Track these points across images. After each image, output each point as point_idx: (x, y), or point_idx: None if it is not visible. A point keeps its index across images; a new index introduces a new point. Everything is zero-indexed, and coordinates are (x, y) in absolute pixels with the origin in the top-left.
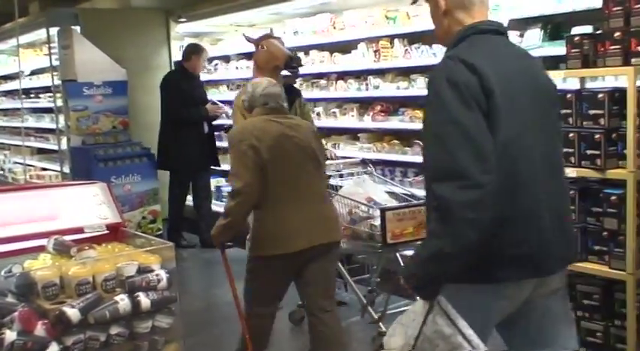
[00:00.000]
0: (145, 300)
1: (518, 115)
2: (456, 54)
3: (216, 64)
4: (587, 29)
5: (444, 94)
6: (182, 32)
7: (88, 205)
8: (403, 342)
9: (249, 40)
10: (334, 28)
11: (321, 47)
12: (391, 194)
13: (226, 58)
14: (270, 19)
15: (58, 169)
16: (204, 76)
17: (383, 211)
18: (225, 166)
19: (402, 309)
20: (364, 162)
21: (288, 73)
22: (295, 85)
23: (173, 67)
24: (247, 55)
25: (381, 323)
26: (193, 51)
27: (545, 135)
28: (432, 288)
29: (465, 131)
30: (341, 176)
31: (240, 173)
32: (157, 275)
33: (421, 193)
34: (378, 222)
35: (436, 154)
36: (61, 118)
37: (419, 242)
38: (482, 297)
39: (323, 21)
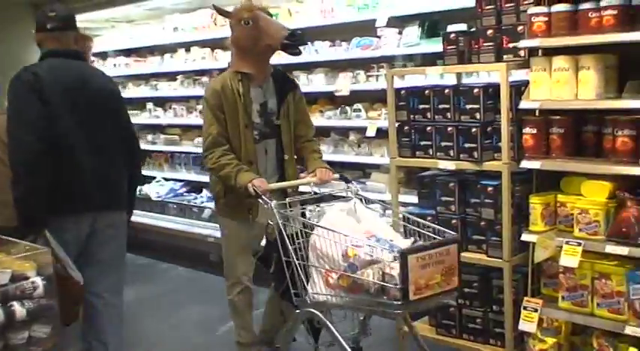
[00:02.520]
0: (19, 309)
1: (68, 106)
2: (28, 67)
3: (93, 61)
4: (462, 27)
5: (15, 91)
6: None
7: None
8: None
9: (222, 13)
10: (215, 24)
11: (202, 43)
12: (394, 225)
13: (103, 55)
14: (148, 14)
15: None
16: None
17: (404, 254)
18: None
19: None
20: (344, 179)
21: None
22: (288, 74)
23: None
24: (125, 52)
25: None
26: None
27: (93, 122)
28: (31, 226)
29: (25, 114)
30: (318, 201)
31: None
32: (32, 283)
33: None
34: (394, 270)
35: (11, 131)
36: None
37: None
38: (58, 227)
39: (204, 17)
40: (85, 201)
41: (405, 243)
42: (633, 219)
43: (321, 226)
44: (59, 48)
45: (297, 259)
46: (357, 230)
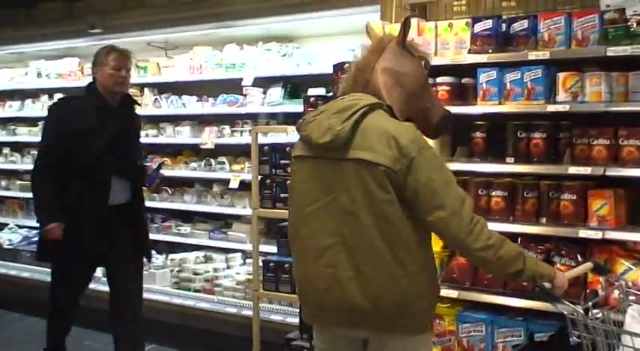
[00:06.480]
0: None
1: None
2: None
3: None
4: (322, 91)
5: None
6: None
7: None
8: None
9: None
10: (82, 73)
11: (66, 91)
12: None
13: None
14: (11, 58)
15: None
16: None
17: None
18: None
19: None
20: (602, 270)
21: None
22: None
23: None
24: None
25: None
26: (97, 55)
27: None
28: None
29: None
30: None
31: None
32: None
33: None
34: None
35: None
36: None
37: None
38: None
39: (70, 65)
40: None
41: None
42: (463, 266)
43: None
44: None
45: None
46: None
